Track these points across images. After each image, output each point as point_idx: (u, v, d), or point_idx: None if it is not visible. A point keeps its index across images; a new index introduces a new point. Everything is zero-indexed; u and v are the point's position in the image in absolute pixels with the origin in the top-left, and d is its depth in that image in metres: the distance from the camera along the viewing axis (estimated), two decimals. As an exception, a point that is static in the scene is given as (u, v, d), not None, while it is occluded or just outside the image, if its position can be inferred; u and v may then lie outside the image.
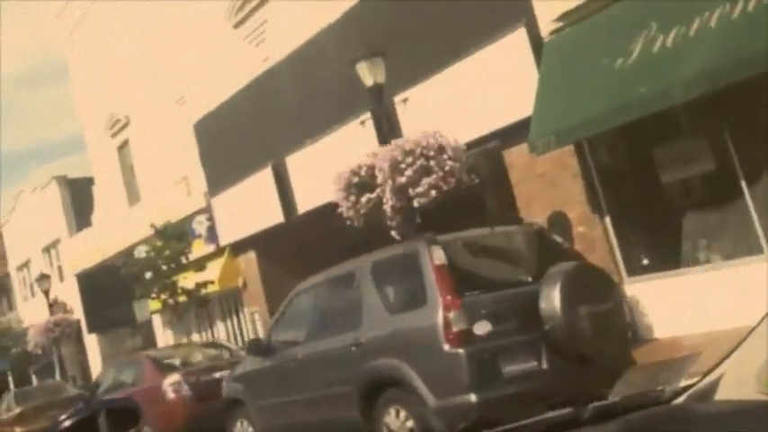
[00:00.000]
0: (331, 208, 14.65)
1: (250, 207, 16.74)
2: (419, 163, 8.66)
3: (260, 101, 16.47)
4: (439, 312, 6.13)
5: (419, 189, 8.63)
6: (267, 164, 16.13)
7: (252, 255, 17.44)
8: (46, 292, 22.89)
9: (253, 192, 16.66)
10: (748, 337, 1.73)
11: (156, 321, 22.71)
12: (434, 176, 8.65)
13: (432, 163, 8.70)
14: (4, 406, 17.86)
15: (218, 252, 18.09)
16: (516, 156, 11.17)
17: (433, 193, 8.68)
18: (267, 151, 16.23)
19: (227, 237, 17.94)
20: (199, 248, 18.06)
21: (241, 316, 19.06)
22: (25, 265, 33.48)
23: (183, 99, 19.70)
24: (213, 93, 18.12)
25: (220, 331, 19.78)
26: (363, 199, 9.04)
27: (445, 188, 8.76)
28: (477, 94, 11.23)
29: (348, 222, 9.60)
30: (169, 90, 20.05)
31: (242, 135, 17.17)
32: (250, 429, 8.17)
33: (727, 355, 1.75)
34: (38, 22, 54.32)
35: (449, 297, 6.14)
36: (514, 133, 11.02)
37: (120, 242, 22.65)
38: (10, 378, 33.97)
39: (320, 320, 7.46)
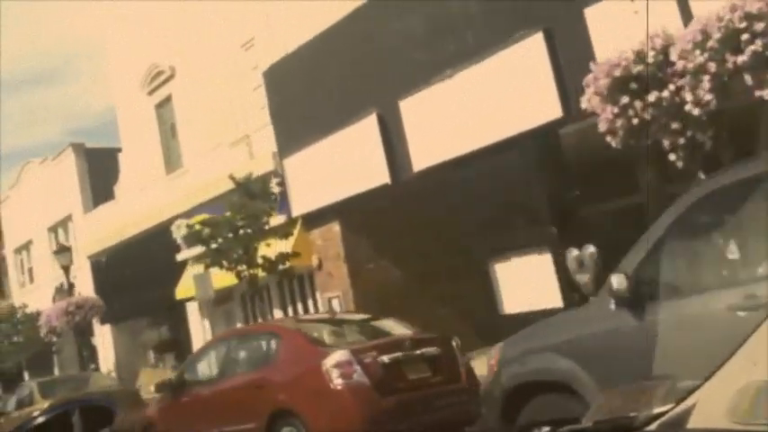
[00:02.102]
0: (467, 160, 11.74)
1: (338, 168, 13.71)
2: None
3: (360, 37, 13.46)
4: None
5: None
6: (369, 112, 13.11)
7: (335, 227, 14.37)
8: (66, 269, 19.50)
9: (344, 148, 13.65)
10: (723, 366, 1.66)
11: (191, 308, 19.46)
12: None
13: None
14: (25, 397, 14.58)
15: (290, 224, 14.96)
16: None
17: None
18: (366, 98, 13.24)
19: (301, 205, 14.88)
20: (267, 219, 14.87)
21: (311, 303, 15.91)
22: (25, 246, 29.87)
23: (251, 42, 16.58)
24: (291, 33, 15.10)
25: (279, 322, 16.56)
26: (651, 97, 5.93)
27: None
28: None
29: (607, 139, 6.52)
30: (231, 33, 16.93)
31: (329, 82, 14.15)
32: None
33: (701, 383, 1.69)
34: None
35: None
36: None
37: (152, 217, 19.49)
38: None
39: None
